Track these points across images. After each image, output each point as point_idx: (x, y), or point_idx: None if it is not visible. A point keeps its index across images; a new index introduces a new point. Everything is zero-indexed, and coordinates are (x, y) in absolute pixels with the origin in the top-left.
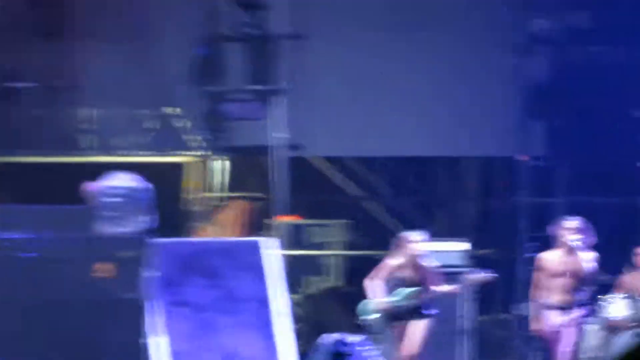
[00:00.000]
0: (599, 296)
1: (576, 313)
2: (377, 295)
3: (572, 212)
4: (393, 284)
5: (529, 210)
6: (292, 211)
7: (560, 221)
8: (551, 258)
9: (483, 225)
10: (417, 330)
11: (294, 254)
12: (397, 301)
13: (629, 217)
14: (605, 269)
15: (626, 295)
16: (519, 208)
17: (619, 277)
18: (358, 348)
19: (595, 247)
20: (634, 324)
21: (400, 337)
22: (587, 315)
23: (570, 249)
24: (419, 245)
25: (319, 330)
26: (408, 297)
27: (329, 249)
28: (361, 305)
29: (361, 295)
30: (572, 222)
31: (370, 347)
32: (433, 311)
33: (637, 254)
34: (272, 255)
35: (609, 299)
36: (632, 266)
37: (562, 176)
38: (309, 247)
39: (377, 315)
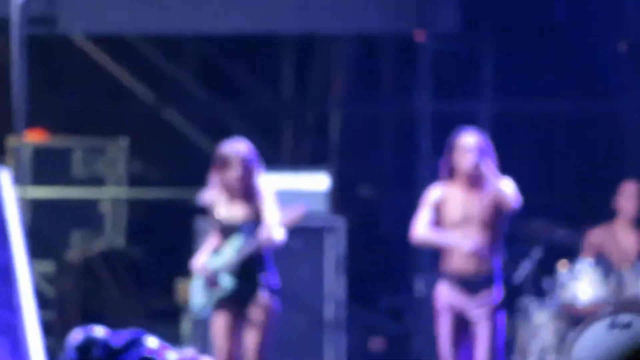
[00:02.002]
0: (557, 264)
1: (493, 292)
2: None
3: (502, 124)
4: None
5: (434, 121)
6: (40, 124)
7: (456, 138)
8: (446, 194)
9: (357, 145)
10: (257, 317)
11: (44, 197)
12: (222, 261)
13: (601, 133)
14: (561, 219)
15: (597, 262)
16: (418, 116)
17: (584, 234)
18: (124, 349)
19: (547, 184)
20: (609, 308)
21: (229, 330)
22: (511, 296)
23: (475, 179)
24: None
25: (84, 318)
26: (237, 251)
27: (102, 185)
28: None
29: (159, 262)
30: (468, 137)
31: (155, 347)
32: (273, 283)
33: (621, 195)
34: (9, 196)
35: (568, 270)
36: (608, 216)
37: (486, 66)
38: (70, 182)
39: (198, 290)
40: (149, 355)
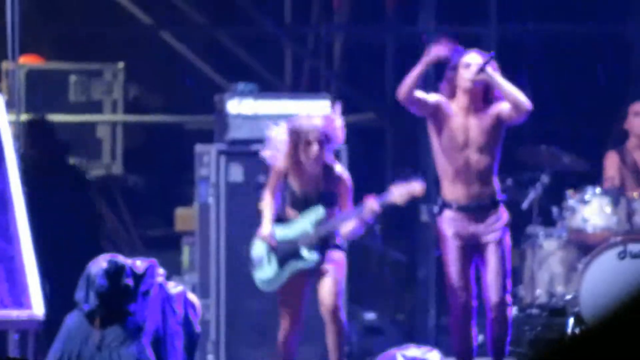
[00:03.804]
0: (567, 191)
1: (499, 214)
2: (262, 223)
3: (508, 49)
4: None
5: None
6: (35, 50)
7: (458, 56)
8: (446, 109)
9: (360, 70)
10: (331, 279)
11: (40, 120)
12: (297, 234)
13: (608, 56)
14: (568, 145)
15: (607, 189)
16: (421, 40)
17: (591, 160)
18: (148, 279)
19: (553, 109)
20: (619, 238)
21: (300, 293)
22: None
23: (473, 96)
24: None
25: None
26: (316, 223)
27: (99, 110)
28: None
29: (158, 189)
30: (473, 54)
31: (162, 275)
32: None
33: (630, 115)
34: (2, 121)
35: (577, 197)
36: (619, 140)
37: None
38: (66, 107)
39: (262, 260)
40: (161, 282)
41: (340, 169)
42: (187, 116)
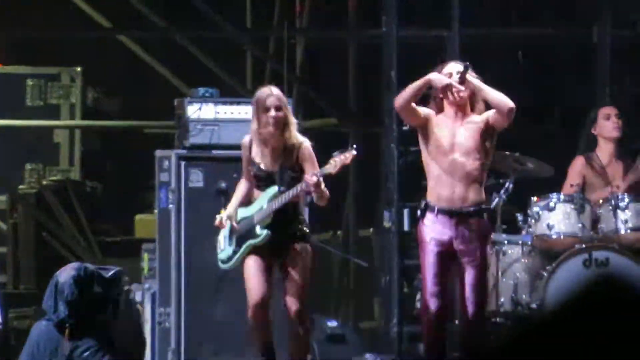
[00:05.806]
0: (532, 198)
1: (481, 225)
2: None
3: (471, 53)
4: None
5: (402, 49)
6: None
7: (441, 66)
8: (435, 119)
9: (322, 73)
10: (298, 265)
11: None
12: (254, 212)
13: (576, 61)
14: (533, 151)
15: (572, 195)
16: (386, 45)
17: (554, 166)
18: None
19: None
20: (583, 245)
21: (261, 272)
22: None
23: (460, 105)
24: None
25: (37, 252)
26: (269, 200)
27: (57, 115)
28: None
29: (116, 195)
30: (453, 63)
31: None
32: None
33: (599, 120)
34: None
35: (542, 204)
36: (589, 146)
37: None
38: (23, 111)
39: (223, 242)
40: (129, 288)
41: (299, 138)
42: (146, 121)
